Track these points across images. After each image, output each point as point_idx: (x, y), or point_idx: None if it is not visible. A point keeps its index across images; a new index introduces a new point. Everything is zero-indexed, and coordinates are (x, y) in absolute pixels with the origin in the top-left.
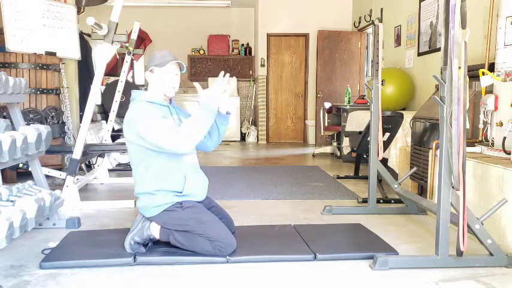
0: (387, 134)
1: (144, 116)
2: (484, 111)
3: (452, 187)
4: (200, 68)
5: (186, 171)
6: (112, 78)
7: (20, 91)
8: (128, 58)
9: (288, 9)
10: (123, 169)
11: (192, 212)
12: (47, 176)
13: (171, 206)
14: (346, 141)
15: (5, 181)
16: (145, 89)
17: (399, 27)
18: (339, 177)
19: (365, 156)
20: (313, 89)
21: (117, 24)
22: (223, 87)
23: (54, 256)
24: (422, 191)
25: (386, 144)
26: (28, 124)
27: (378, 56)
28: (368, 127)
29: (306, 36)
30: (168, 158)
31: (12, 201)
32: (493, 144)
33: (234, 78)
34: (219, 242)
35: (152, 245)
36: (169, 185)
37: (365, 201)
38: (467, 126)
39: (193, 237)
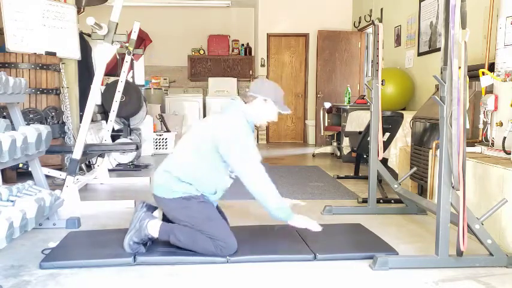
0: (387, 134)
1: (243, 142)
2: (484, 111)
3: (452, 187)
4: (200, 68)
5: (219, 187)
6: (112, 78)
7: (20, 91)
8: (127, 58)
9: (288, 9)
10: (123, 169)
11: (204, 207)
12: (47, 176)
13: (189, 195)
14: (346, 141)
15: (5, 181)
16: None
17: (399, 27)
18: (339, 177)
19: (365, 156)
20: (313, 89)
21: (117, 24)
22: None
23: (54, 256)
24: (422, 191)
25: (387, 144)
26: (28, 124)
27: (378, 56)
28: (368, 127)
29: (306, 36)
30: (218, 170)
31: (12, 201)
32: (493, 144)
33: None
34: (222, 241)
35: (152, 245)
36: (200, 186)
37: (365, 201)
38: (467, 126)
39: (195, 235)
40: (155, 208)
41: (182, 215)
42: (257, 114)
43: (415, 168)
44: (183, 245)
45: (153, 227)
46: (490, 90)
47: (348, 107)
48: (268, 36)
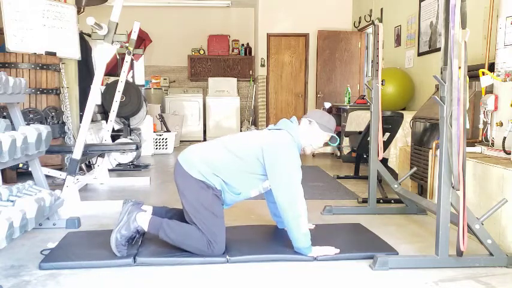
0: (387, 134)
1: (291, 158)
2: (484, 111)
3: (452, 187)
4: (200, 68)
5: (244, 192)
6: (112, 78)
7: (20, 91)
8: (127, 58)
9: (288, 9)
10: (123, 169)
11: (215, 202)
12: (47, 176)
13: (211, 185)
14: (346, 141)
15: (5, 181)
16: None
17: (399, 27)
18: (339, 177)
19: (365, 156)
20: (313, 89)
21: (117, 24)
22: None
23: (54, 257)
24: (422, 191)
25: (387, 144)
26: (28, 124)
27: (378, 56)
28: (368, 127)
29: (306, 36)
30: (250, 177)
31: (12, 201)
32: (493, 144)
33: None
34: (215, 241)
35: (151, 246)
36: (228, 180)
37: (365, 201)
38: (467, 126)
39: (184, 233)
40: (142, 204)
41: (193, 197)
42: (307, 138)
43: (415, 168)
44: (172, 242)
45: (143, 219)
46: (490, 90)
47: (348, 107)
48: (268, 36)
